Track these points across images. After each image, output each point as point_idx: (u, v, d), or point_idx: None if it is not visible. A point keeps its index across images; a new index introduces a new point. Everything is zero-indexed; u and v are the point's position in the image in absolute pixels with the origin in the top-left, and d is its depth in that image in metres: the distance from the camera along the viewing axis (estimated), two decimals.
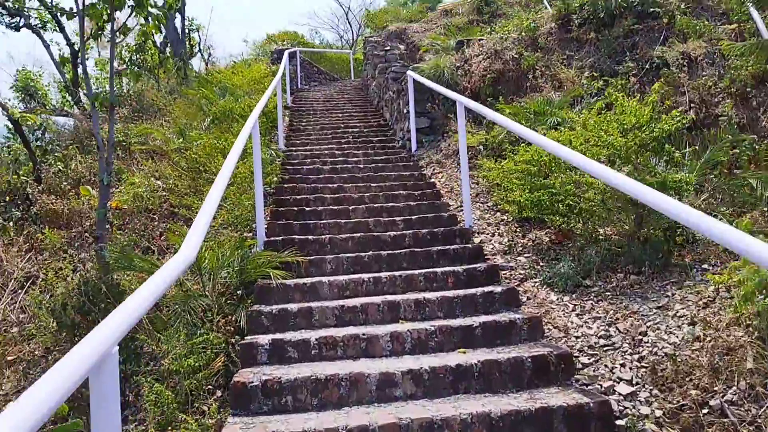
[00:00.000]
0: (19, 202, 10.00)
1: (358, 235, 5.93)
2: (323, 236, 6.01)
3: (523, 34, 9.60)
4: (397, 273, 5.08)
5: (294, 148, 10.05)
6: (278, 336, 4.08)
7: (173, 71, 16.02)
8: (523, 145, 6.98)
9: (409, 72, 9.52)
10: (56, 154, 10.96)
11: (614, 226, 5.10)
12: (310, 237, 5.89)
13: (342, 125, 11.90)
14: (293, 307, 4.48)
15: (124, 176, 9.38)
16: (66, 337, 5.30)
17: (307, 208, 6.83)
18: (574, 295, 4.58)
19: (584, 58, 8.72)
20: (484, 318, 4.27)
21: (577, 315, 4.24)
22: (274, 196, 7.62)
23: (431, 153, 9.08)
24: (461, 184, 6.30)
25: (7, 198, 10.44)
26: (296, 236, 6.04)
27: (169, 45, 17.85)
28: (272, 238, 5.93)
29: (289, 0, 49.15)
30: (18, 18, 16.89)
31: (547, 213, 5.65)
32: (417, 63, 14.84)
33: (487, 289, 4.70)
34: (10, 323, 7.17)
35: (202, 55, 19.04)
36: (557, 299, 4.56)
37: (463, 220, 6.42)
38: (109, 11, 5.96)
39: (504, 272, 5.17)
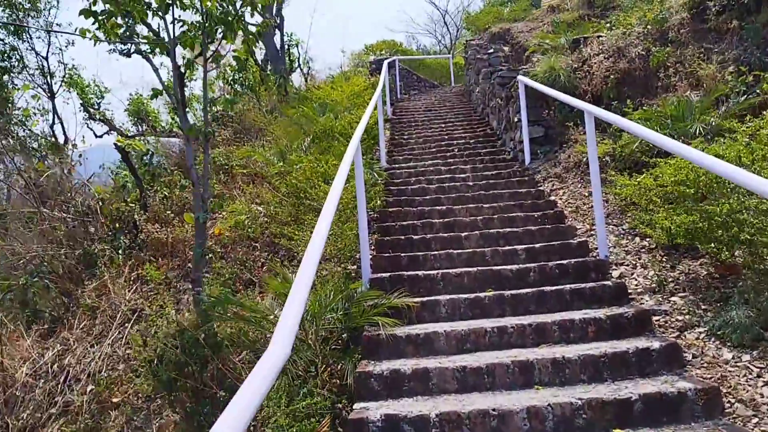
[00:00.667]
0: (127, 231, 10.08)
1: (474, 270, 5.22)
2: (434, 271, 5.35)
3: (649, 27, 8.51)
4: (524, 320, 4.32)
5: (397, 166, 9.48)
6: (391, 409, 3.45)
7: (274, 88, 15.98)
8: (664, 158, 6.01)
9: (519, 77, 8.70)
10: (161, 179, 11.02)
11: None
12: (419, 273, 5.25)
13: (446, 137, 11.22)
14: (406, 367, 3.84)
15: (226, 202, 9.18)
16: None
17: (415, 237, 6.20)
18: (755, 353, 3.64)
19: (726, 50, 7.54)
20: (642, 386, 3.43)
21: (767, 384, 3.31)
22: (378, 222, 7.05)
23: (548, 166, 8.20)
24: (593, 205, 5.45)
25: (117, 225, 10.59)
26: (404, 272, 5.42)
27: (269, 62, 17.91)
28: (378, 275, 5.34)
29: (385, 7, 49.12)
30: (129, 45, 17.56)
31: (702, 241, 4.69)
32: (524, 65, 13.94)
33: (639, 343, 3.84)
34: (117, 359, 7.05)
35: (301, 69, 19.01)
36: (734, 358, 3.64)
37: (597, 249, 5.55)
38: (201, 40, 5.64)
39: (657, 318, 4.28)
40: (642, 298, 4.59)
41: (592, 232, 6.02)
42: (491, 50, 14.71)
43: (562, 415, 3.23)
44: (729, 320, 3.85)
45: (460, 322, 4.57)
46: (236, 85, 18.48)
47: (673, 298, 4.48)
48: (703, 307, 4.26)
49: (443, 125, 12.56)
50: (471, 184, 7.96)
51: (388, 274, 5.35)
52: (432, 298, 4.83)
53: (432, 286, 5.16)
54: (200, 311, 5.27)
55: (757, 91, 6.72)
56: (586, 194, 6.97)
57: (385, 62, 14.48)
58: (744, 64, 7.18)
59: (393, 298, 4.71)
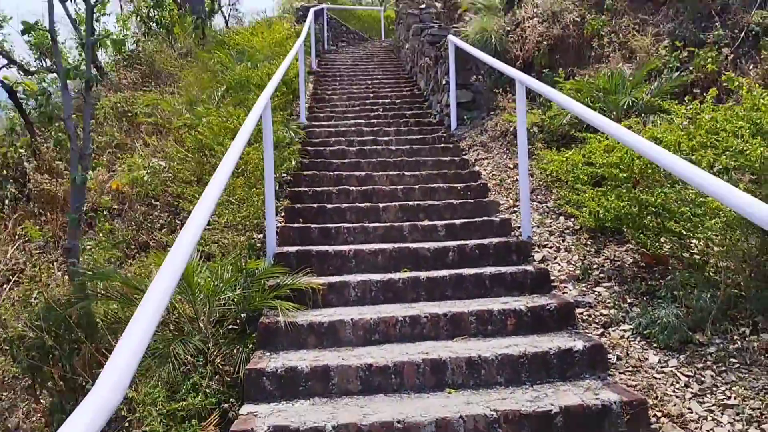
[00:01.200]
0: (13, 180, 9.06)
1: (390, 247, 4.77)
2: (347, 247, 4.87)
3: None
4: (440, 308, 3.93)
5: (317, 123, 8.86)
6: (282, 417, 2.99)
7: (190, 30, 14.80)
8: (593, 134, 5.72)
9: (450, 37, 8.20)
10: (57, 124, 9.94)
11: (735, 258, 3.84)
12: (330, 249, 4.76)
13: (371, 95, 10.65)
14: (305, 363, 3.37)
15: (126, 156, 8.34)
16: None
17: (329, 206, 5.69)
18: (683, 357, 3.39)
19: (662, 23, 7.30)
20: (564, 394, 3.11)
21: (695, 396, 3.05)
22: (290, 186, 6.48)
23: (474, 133, 7.82)
24: (519, 182, 5.08)
25: (5, 172, 9.53)
26: (314, 246, 4.92)
27: (188, 1, 16.57)
28: (285, 249, 4.82)
29: None
30: None
31: (631, 227, 4.43)
32: (456, 24, 13.44)
33: (562, 341, 3.53)
34: None
35: (222, 12, 17.69)
36: (660, 363, 3.37)
37: (520, 228, 5.22)
38: None
39: (580, 310, 3.99)
40: (565, 287, 4.29)
41: (516, 209, 5.69)
42: (423, 5, 14.10)
43: (475, 428, 2.86)
44: (656, 318, 3.58)
45: (370, 307, 4.13)
46: (152, 23, 17.08)
47: (597, 289, 4.20)
48: (629, 300, 4.00)
49: (370, 82, 11.96)
50: (394, 148, 7.48)
51: (296, 248, 4.83)
52: (341, 278, 4.35)
53: (343, 264, 4.69)
54: (76, 285, 4.59)
55: (690, 68, 6.52)
56: (512, 166, 6.64)
57: (312, 10, 13.62)
58: (679, 39, 6.95)
59: (298, 277, 4.21)
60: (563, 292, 4.25)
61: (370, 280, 4.27)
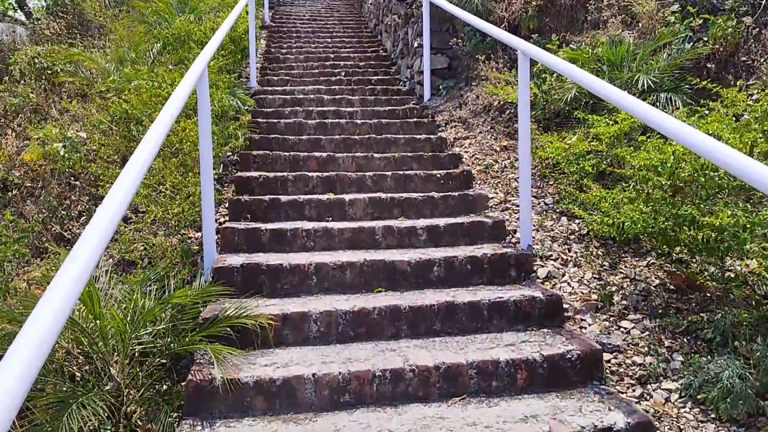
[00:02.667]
0: None
1: (361, 259, 3.80)
2: (306, 257, 3.89)
3: None
4: (430, 357, 3.00)
5: (270, 89, 7.70)
6: None
7: None
8: (599, 114, 4.82)
9: None
10: None
11: None
12: (285, 262, 3.74)
13: (332, 55, 9.48)
14: None
15: (44, 120, 7.07)
16: None
17: (283, 198, 4.65)
18: None
19: None
20: None
21: None
22: (237, 169, 5.42)
23: (451, 106, 6.83)
24: (519, 179, 4.15)
25: None
26: (264, 256, 3.91)
27: None
28: (227, 260, 3.79)
29: None
30: None
31: (661, 242, 3.57)
32: None
33: (594, 414, 2.65)
34: None
35: None
36: None
37: (516, 232, 4.32)
38: None
39: (607, 356, 3.12)
40: (582, 321, 3.42)
41: (508, 206, 4.78)
42: None
43: None
44: (711, 377, 2.75)
45: (337, 348, 3.18)
46: None
47: (623, 324, 3.34)
48: (666, 342, 3.15)
49: (329, 40, 10.76)
50: (359, 122, 6.44)
51: (242, 259, 3.81)
52: (300, 306, 3.36)
53: (301, 281, 3.70)
54: None
55: (705, 38, 5.64)
56: (498, 149, 5.70)
57: None
58: (692, 4, 6.05)
59: (243, 308, 3.21)
60: (580, 327, 3.38)
61: (336, 311, 3.29)
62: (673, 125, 2.60)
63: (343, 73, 8.51)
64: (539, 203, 4.77)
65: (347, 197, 4.71)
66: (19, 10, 17.67)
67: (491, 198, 4.88)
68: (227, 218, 4.57)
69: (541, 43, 6.49)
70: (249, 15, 7.91)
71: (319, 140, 5.93)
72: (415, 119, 6.65)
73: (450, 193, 4.89)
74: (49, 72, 8.17)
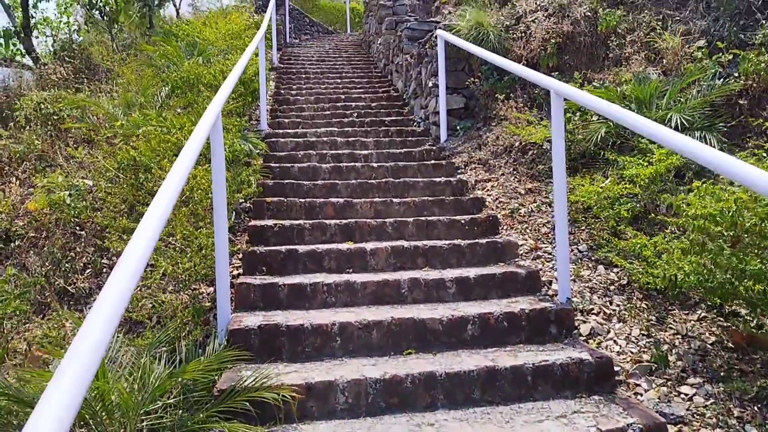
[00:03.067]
0: None
1: (388, 317, 3.49)
2: (328, 315, 3.59)
3: None
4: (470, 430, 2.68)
5: (281, 132, 7.51)
6: None
7: (135, 18, 13.22)
8: (630, 154, 4.57)
9: (440, 32, 6.95)
10: None
11: None
12: (306, 322, 3.44)
13: (342, 96, 9.32)
14: None
15: (50, 168, 6.87)
16: None
17: (301, 248, 4.37)
18: None
19: (690, 20, 6.19)
20: None
21: None
22: (251, 217, 5.16)
23: (469, 147, 6.59)
24: (556, 230, 3.88)
25: None
26: (283, 315, 3.62)
27: None
28: (243, 320, 3.50)
29: None
30: None
31: (718, 295, 3.27)
32: (433, 17, 12.28)
33: None
34: None
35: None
36: None
37: (551, 283, 4.03)
38: None
39: (673, 428, 2.79)
40: (637, 386, 3.09)
41: (540, 254, 4.49)
42: None
43: None
44: None
45: (367, 422, 2.86)
46: (93, 11, 15.38)
47: (683, 389, 3.01)
48: (735, 412, 2.82)
49: (339, 80, 10.63)
50: (375, 165, 6.20)
51: (259, 320, 3.51)
52: (324, 377, 3.04)
53: (324, 343, 3.40)
54: None
55: (736, 74, 5.41)
56: (523, 192, 5.43)
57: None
58: (716, 37, 5.86)
59: (263, 377, 2.90)
60: (635, 393, 3.05)
61: (365, 380, 2.98)
62: (745, 169, 2.33)
63: (355, 114, 8.33)
64: (573, 250, 4.47)
65: (368, 246, 4.42)
66: (27, 55, 17.78)
67: (521, 245, 4.60)
68: (241, 271, 4.29)
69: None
70: (259, 57, 7.76)
71: (335, 185, 5.68)
72: (432, 161, 6.41)
73: (476, 240, 4.61)
74: (56, 117, 8.01)
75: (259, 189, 5.45)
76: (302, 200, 5.26)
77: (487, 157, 6.16)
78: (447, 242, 4.54)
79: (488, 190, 5.65)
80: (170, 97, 7.62)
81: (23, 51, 18.38)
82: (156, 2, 14.20)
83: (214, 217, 3.56)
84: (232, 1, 21.92)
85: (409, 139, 7.27)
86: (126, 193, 5.24)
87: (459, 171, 6.19)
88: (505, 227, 4.96)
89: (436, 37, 7.14)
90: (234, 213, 5.22)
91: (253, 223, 4.86)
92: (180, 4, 16.54)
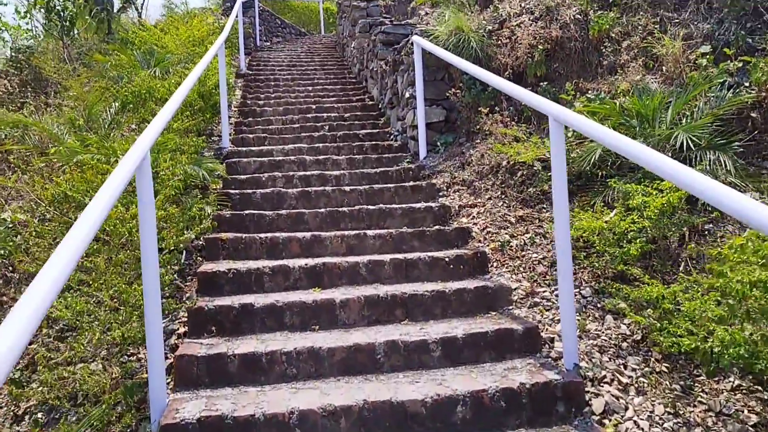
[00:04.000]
0: None
1: (358, 399, 2.85)
2: (286, 400, 2.94)
3: None
4: None
5: (245, 149, 6.82)
6: None
7: (92, 24, 12.42)
8: (633, 177, 3.98)
9: (415, 39, 6.32)
10: None
11: None
12: (255, 412, 2.78)
13: (314, 106, 8.65)
14: None
15: None
16: None
17: (259, 301, 3.71)
18: None
19: (692, 22, 5.62)
20: None
21: None
22: (203, 257, 4.49)
23: (452, 166, 5.97)
24: (559, 278, 3.27)
25: None
26: (230, 397, 2.95)
27: None
28: (179, 413, 2.83)
29: None
30: None
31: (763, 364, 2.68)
32: (409, 18, 11.67)
33: None
34: None
35: (133, 1, 15.15)
36: None
37: (554, 340, 3.41)
38: None
39: None
40: None
41: (537, 300, 3.88)
42: None
43: None
44: None
45: None
46: (52, 15, 14.52)
47: None
48: None
49: (311, 88, 9.95)
50: (348, 189, 5.55)
51: (201, 408, 2.84)
52: None
53: None
54: None
55: (746, 83, 4.85)
56: (513, 220, 4.82)
57: (239, 1, 11.47)
58: (720, 42, 5.30)
59: None
60: None
61: None
62: None
63: (327, 127, 7.67)
64: (575, 295, 3.87)
65: (338, 296, 3.78)
66: None
67: (514, 289, 3.98)
68: (187, 329, 3.62)
69: (551, 92, 5.70)
70: (219, 67, 7.06)
71: (301, 215, 5.02)
72: (411, 183, 5.78)
73: (463, 283, 3.98)
74: None
75: (214, 224, 4.78)
76: (263, 236, 4.59)
77: (472, 178, 5.54)
78: (430, 288, 3.91)
79: (474, 217, 5.03)
80: (121, 113, 6.90)
81: None
82: (115, 7, 13.40)
83: (143, 272, 2.90)
84: (199, 2, 21.08)
85: (386, 155, 6.62)
86: (58, 231, 4.54)
87: (441, 194, 5.57)
88: (495, 264, 4.34)
89: (412, 43, 6.51)
90: (184, 253, 4.54)
91: (204, 267, 4.18)
92: (143, 7, 15.70)
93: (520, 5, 6.43)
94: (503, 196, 5.15)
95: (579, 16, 6.05)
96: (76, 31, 13.53)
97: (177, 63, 8.61)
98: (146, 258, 2.87)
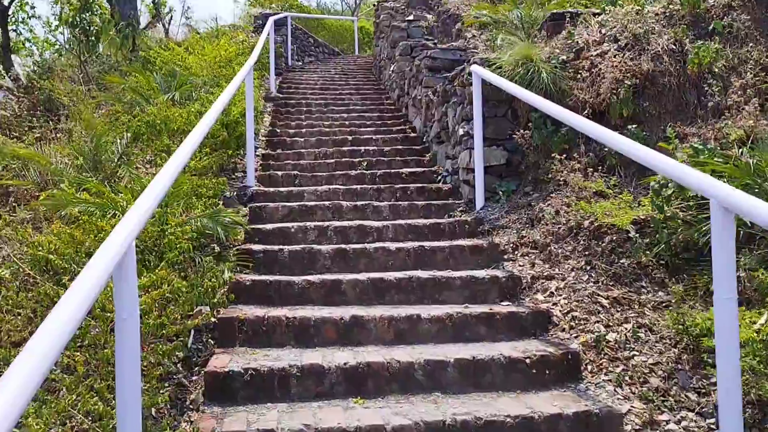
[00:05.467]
0: None
1: None
2: None
3: (676, 6, 5.41)
4: None
5: (272, 190, 5.92)
6: None
7: (116, 40, 11.75)
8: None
9: (475, 68, 5.38)
10: None
11: None
12: None
13: (349, 137, 7.75)
14: None
15: None
16: None
17: (283, 425, 2.76)
18: None
19: None
20: None
21: None
22: (214, 342, 3.56)
23: (517, 221, 4.99)
24: (720, 417, 2.25)
25: None
26: None
27: (116, 3, 13.41)
28: None
29: None
30: None
31: None
32: (454, 41, 10.78)
33: None
34: None
35: (160, 15, 14.45)
36: None
37: None
38: None
39: None
40: None
41: (657, 428, 2.86)
42: (411, 17, 11.38)
43: None
44: None
45: None
46: (77, 30, 13.92)
47: None
48: None
49: (346, 115, 9.07)
50: (393, 247, 4.60)
51: None
52: None
53: None
54: None
55: None
56: (607, 303, 3.81)
57: (271, 19, 10.69)
58: None
59: None
60: None
61: None
62: None
63: (365, 164, 6.76)
64: (704, 425, 2.85)
65: (388, 418, 2.81)
66: (5, 76, 16.39)
67: (625, 414, 2.96)
68: None
69: (641, 136, 4.70)
70: (246, 93, 6.19)
71: (337, 284, 4.08)
72: (468, 240, 4.82)
73: (556, 404, 2.98)
74: None
75: (231, 296, 3.85)
76: (291, 315, 3.64)
77: (546, 240, 4.54)
78: (512, 409, 2.92)
79: (553, 293, 4.03)
80: (134, 144, 6.07)
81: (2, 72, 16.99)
82: (140, 23, 12.75)
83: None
84: (230, 19, 20.49)
85: (435, 202, 5.68)
86: (36, 305, 3.65)
87: (506, 257, 4.58)
88: (590, 368, 3.34)
89: (469, 73, 5.57)
90: (192, 333, 3.61)
91: (215, 362, 3.25)
92: (170, 24, 15.05)
93: (600, 32, 5.45)
94: (589, 268, 4.15)
95: (673, 46, 5.05)
96: (101, 47, 12.93)
97: (201, 87, 7.80)
98: (122, 396, 1.94)
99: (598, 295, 3.88)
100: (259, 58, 10.01)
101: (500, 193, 5.40)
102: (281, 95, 10.25)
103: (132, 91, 7.29)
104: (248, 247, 4.52)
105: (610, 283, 3.97)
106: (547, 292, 4.07)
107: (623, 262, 4.07)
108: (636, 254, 4.00)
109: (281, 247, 4.62)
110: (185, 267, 3.80)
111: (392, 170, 6.54)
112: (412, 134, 7.91)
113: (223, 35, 11.12)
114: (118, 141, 6.00)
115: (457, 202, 5.66)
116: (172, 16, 14.97)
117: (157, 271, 3.43)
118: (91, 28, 13.18)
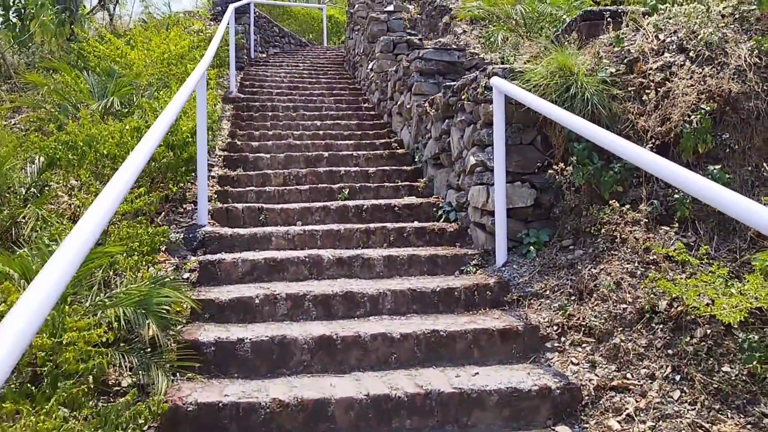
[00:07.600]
0: None
1: None
2: None
3: (751, 7, 4.23)
4: None
5: (230, 233, 4.57)
6: None
7: (50, 26, 10.11)
8: None
9: (497, 81, 4.11)
10: None
11: None
12: None
13: (325, 153, 6.44)
14: None
15: None
16: None
17: None
18: None
19: None
20: None
21: None
22: None
23: (556, 289, 3.76)
24: None
25: None
26: None
27: None
28: None
29: None
30: None
31: None
32: (441, 36, 9.58)
33: None
34: None
35: (104, 3, 12.77)
36: None
37: None
38: None
39: None
40: None
41: None
42: (391, 8, 10.07)
43: None
44: None
45: None
46: (10, 12, 12.17)
47: None
48: None
49: (319, 122, 7.73)
50: (395, 333, 3.32)
51: None
52: None
53: None
54: None
55: None
56: (710, 428, 2.62)
57: (231, 6, 9.23)
58: None
59: None
60: None
61: None
62: None
63: (346, 191, 5.47)
64: None
65: None
66: None
67: None
68: None
69: (725, 180, 3.52)
70: (198, 106, 4.80)
71: (323, 405, 2.79)
72: (495, 319, 3.57)
73: None
74: None
75: (172, 403, 2.53)
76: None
77: (605, 326, 3.33)
78: None
79: (632, 419, 2.82)
80: (49, 172, 4.66)
81: None
82: (77, 8, 11.10)
83: None
84: (191, 6, 18.78)
85: (441, 252, 4.41)
86: None
87: (549, 346, 3.36)
88: None
89: (487, 87, 4.32)
90: None
91: None
92: (115, 8, 13.35)
93: (657, 37, 4.24)
94: (679, 376, 2.95)
95: (757, 60, 3.87)
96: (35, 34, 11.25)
97: (144, 89, 6.36)
98: None
99: (702, 428, 2.68)
100: (218, 52, 8.62)
101: (528, 244, 4.17)
102: (243, 95, 8.85)
103: (57, 95, 5.81)
104: (194, 338, 3.19)
105: (715, 406, 2.78)
106: (622, 415, 2.86)
107: (727, 371, 2.89)
108: (748, 359, 2.83)
109: (243, 330, 3.31)
110: (89, 398, 2.47)
111: (381, 201, 5.26)
112: (399, 150, 6.63)
113: (175, 25, 9.58)
114: (32, 163, 4.59)
115: (469, 251, 4.41)
116: (118, 1, 13.21)
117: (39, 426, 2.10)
118: (26, 12, 11.51)
